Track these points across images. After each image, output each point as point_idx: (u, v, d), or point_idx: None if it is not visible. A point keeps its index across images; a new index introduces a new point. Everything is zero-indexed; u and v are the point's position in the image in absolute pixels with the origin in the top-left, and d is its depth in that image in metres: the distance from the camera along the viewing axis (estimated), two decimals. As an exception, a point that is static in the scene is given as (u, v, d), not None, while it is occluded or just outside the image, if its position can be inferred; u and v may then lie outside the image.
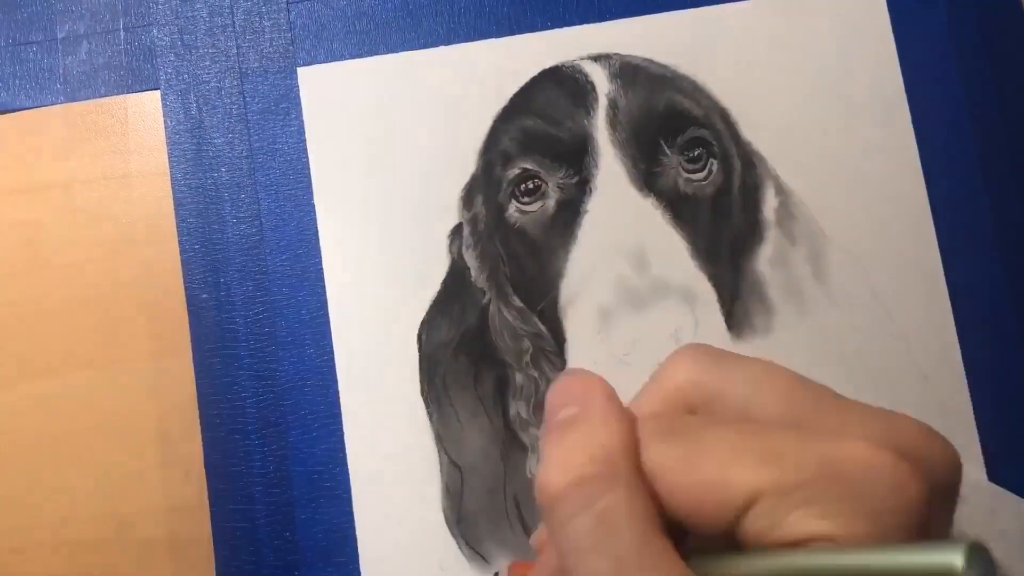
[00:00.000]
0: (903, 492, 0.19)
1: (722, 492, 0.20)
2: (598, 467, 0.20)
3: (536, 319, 0.33)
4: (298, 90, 0.35)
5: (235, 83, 0.35)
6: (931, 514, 0.20)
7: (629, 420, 0.21)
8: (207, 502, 0.33)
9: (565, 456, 0.21)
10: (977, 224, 0.34)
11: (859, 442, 0.20)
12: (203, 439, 0.33)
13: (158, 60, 0.35)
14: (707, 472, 0.20)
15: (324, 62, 0.35)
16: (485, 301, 0.34)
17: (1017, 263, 0.34)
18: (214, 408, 0.33)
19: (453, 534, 0.32)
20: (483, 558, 0.32)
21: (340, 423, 0.33)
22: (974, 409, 0.33)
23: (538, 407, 0.33)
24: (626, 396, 0.33)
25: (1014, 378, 0.33)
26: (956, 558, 0.18)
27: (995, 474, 0.33)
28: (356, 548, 0.32)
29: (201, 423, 0.33)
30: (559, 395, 0.22)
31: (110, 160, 0.35)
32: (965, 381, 0.33)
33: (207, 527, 0.32)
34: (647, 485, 0.21)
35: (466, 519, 0.32)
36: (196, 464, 0.33)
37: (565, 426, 0.21)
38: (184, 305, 0.34)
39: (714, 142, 0.34)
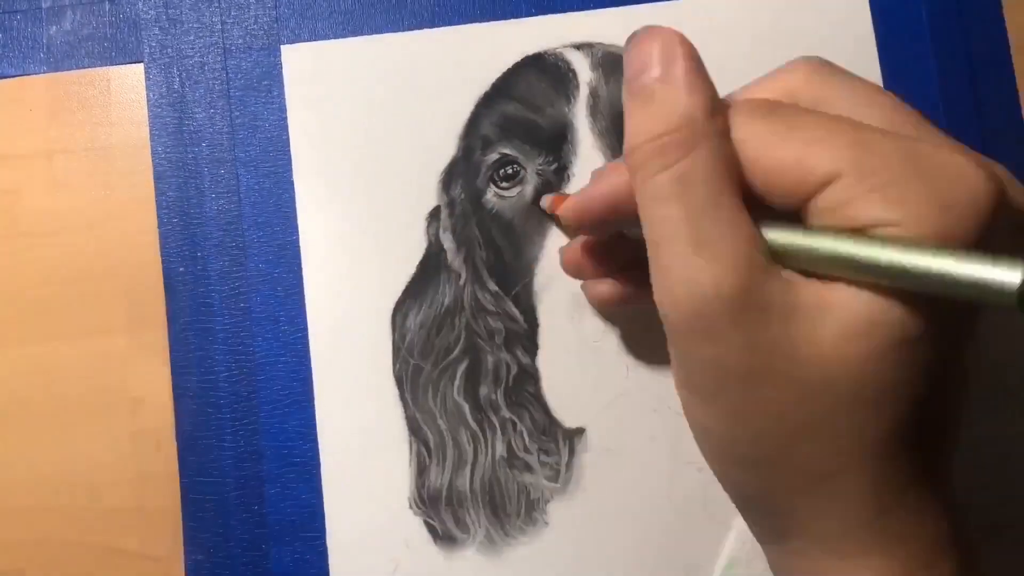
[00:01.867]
0: (977, 193, 0.20)
1: (804, 166, 0.21)
2: (681, 132, 0.21)
3: (510, 303, 0.34)
4: (281, 68, 0.35)
5: (218, 59, 0.35)
6: (998, 237, 0.20)
7: (711, 84, 0.22)
8: (177, 473, 0.33)
9: (649, 122, 0.22)
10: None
11: (945, 147, 0.20)
12: (175, 411, 0.33)
13: (142, 33, 0.35)
14: (793, 147, 0.21)
15: (308, 41, 0.35)
16: (460, 284, 0.34)
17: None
18: (187, 381, 0.33)
19: (418, 513, 0.33)
20: (448, 537, 0.33)
21: (312, 400, 0.33)
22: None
23: (508, 390, 0.33)
24: (597, 381, 0.33)
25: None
26: (1015, 275, 0.18)
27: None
28: (324, 524, 0.32)
29: (174, 395, 0.33)
30: (640, 54, 0.23)
31: (92, 131, 0.35)
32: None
33: (176, 498, 0.33)
34: (731, 153, 0.21)
35: (433, 499, 0.33)
36: (167, 436, 0.33)
37: (647, 91, 0.22)
38: (161, 278, 0.34)
39: (692, 134, 0.34)
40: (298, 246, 0.34)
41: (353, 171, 0.34)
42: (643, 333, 0.33)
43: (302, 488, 0.33)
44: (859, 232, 0.20)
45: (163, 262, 0.34)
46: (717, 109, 0.22)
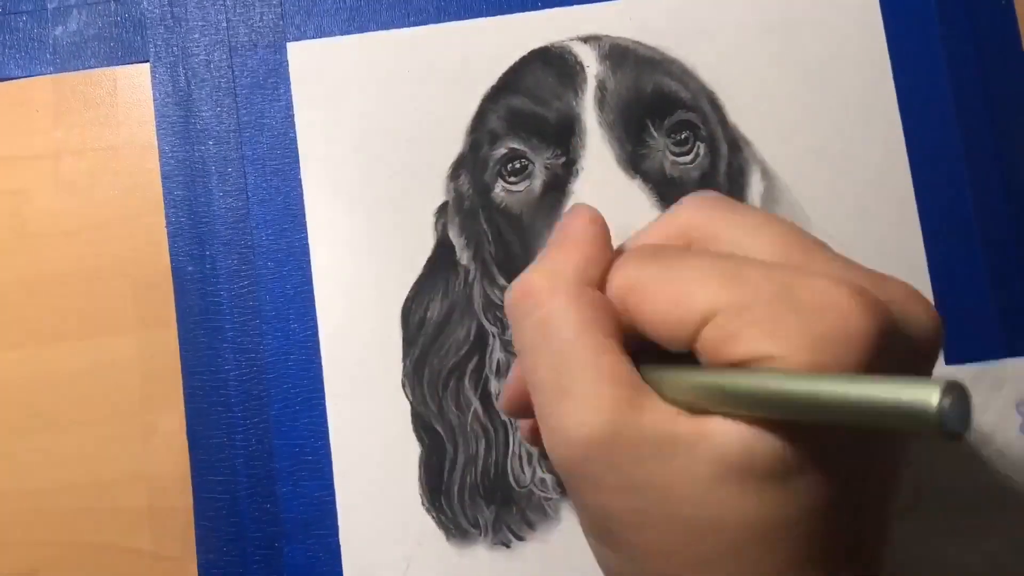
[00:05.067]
0: (849, 325, 0.19)
1: (683, 306, 0.21)
2: (544, 281, 0.22)
3: (520, 298, 0.34)
4: (287, 65, 0.35)
5: (224, 56, 0.35)
6: (888, 364, 0.19)
7: (592, 246, 0.23)
8: (189, 473, 0.33)
9: (525, 273, 0.23)
10: (960, 214, 0.34)
11: (822, 276, 0.20)
12: (186, 411, 0.33)
13: (148, 32, 0.35)
14: (672, 288, 0.21)
15: (314, 38, 0.35)
16: (470, 280, 0.34)
17: (998, 253, 0.34)
18: (197, 380, 0.33)
19: (429, 511, 0.33)
20: (460, 534, 0.32)
21: (323, 398, 0.33)
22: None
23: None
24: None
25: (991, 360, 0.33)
26: (931, 395, 0.15)
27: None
28: (336, 521, 0.32)
29: (184, 395, 0.33)
30: (555, 228, 0.25)
31: (98, 131, 0.35)
32: (943, 366, 0.33)
33: (188, 498, 0.33)
34: (597, 300, 0.22)
35: (443, 496, 0.33)
36: (179, 435, 0.33)
37: (540, 254, 0.24)
38: (170, 277, 0.34)
39: (701, 125, 0.34)
40: (307, 244, 0.34)
41: (360, 168, 0.34)
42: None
43: (314, 486, 0.33)
44: (743, 364, 0.20)
45: (172, 261, 0.34)
46: (589, 266, 0.23)
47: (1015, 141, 0.34)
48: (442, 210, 0.34)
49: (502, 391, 0.27)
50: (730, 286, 0.20)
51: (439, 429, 0.33)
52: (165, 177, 0.34)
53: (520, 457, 0.33)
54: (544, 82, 0.34)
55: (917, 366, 0.21)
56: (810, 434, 0.19)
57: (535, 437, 0.28)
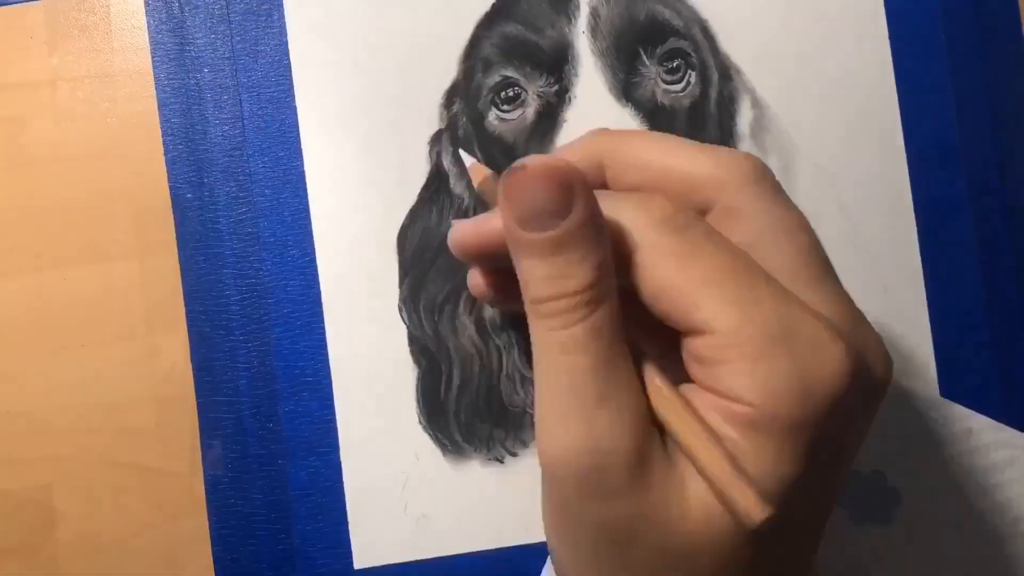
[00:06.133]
0: (835, 376, 0.20)
1: (691, 303, 0.21)
2: (595, 289, 0.21)
3: (513, 225, 0.34)
4: (280, -9, 0.35)
5: (217, -17, 0.35)
6: (850, 408, 0.21)
7: (603, 221, 0.21)
8: (193, 394, 0.34)
9: (558, 276, 0.21)
10: (946, 143, 0.35)
11: (819, 321, 0.21)
12: (189, 334, 0.34)
13: (139, -43, 0.35)
14: (689, 276, 0.21)
15: (306, -37, 0.35)
16: (463, 208, 0.35)
17: (982, 182, 0.35)
18: (199, 305, 0.34)
19: (426, 429, 0.34)
20: (456, 450, 0.34)
21: (322, 322, 0.34)
22: (931, 322, 0.34)
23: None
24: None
25: (971, 293, 0.34)
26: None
27: (947, 388, 0.34)
28: (337, 439, 0.34)
29: (187, 319, 0.34)
30: (529, 192, 0.21)
31: (93, 59, 0.35)
32: (924, 294, 0.34)
33: (194, 418, 0.34)
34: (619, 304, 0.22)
35: (439, 415, 0.34)
36: (182, 358, 0.34)
37: (550, 241, 0.22)
38: (169, 204, 0.34)
39: (693, 53, 0.35)
40: (303, 171, 0.34)
41: (355, 95, 0.34)
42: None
43: (315, 406, 0.34)
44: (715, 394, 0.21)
45: (171, 188, 0.34)
46: (603, 281, 0.21)
47: (1002, 73, 0.35)
48: (436, 138, 0.35)
49: (458, 228, 0.26)
50: (737, 308, 0.20)
51: (435, 352, 0.34)
52: (162, 105, 0.35)
53: (513, 379, 0.34)
54: (538, 9, 0.34)
55: (868, 405, 0.22)
56: (777, 498, 0.20)
57: (487, 292, 0.28)
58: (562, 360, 0.21)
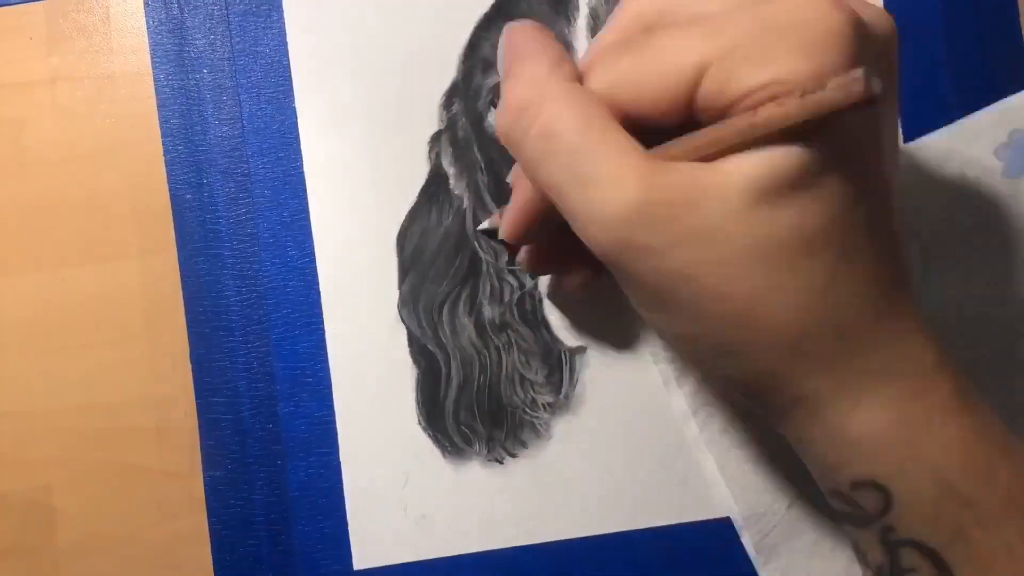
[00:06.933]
0: (830, 22, 0.21)
1: (674, 73, 0.22)
2: (531, 91, 0.23)
3: (512, 226, 0.34)
4: (280, -8, 0.35)
5: (216, -17, 0.35)
6: (867, 58, 0.21)
7: (552, 47, 0.24)
8: (193, 395, 0.34)
9: (506, 97, 0.23)
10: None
11: None
12: (189, 335, 0.34)
13: (139, -43, 0.35)
14: (657, 63, 0.22)
15: (306, -37, 0.35)
16: (463, 208, 0.35)
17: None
18: (199, 305, 0.34)
19: (426, 430, 0.34)
20: (455, 452, 0.34)
21: (322, 322, 0.34)
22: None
23: (511, 311, 0.34)
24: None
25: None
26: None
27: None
28: (336, 439, 0.34)
29: (187, 319, 0.34)
30: (503, 48, 0.25)
31: (93, 59, 0.35)
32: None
33: (194, 419, 0.34)
34: (594, 100, 0.22)
35: (438, 414, 0.34)
36: (182, 359, 0.34)
37: (506, 75, 0.24)
38: (168, 205, 0.34)
39: (692, 54, 0.34)
40: (302, 172, 0.34)
41: (355, 96, 0.34)
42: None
43: (314, 406, 0.34)
44: (747, 104, 0.21)
45: (170, 189, 0.34)
46: (560, 65, 0.23)
47: (1002, 73, 0.35)
48: (436, 139, 0.34)
49: (503, 220, 0.28)
50: (711, 36, 0.21)
51: (434, 352, 0.34)
52: (161, 105, 0.35)
53: (513, 380, 0.34)
54: (537, 10, 0.34)
55: (882, 65, 0.23)
56: (822, 139, 0.21)
57: (536, 264, 0.30)
58: (539, 170, 0.23)
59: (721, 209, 0.21)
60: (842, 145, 0.21)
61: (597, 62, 0.23)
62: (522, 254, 0.31)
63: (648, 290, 0.23)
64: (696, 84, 0.21)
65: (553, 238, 0.29)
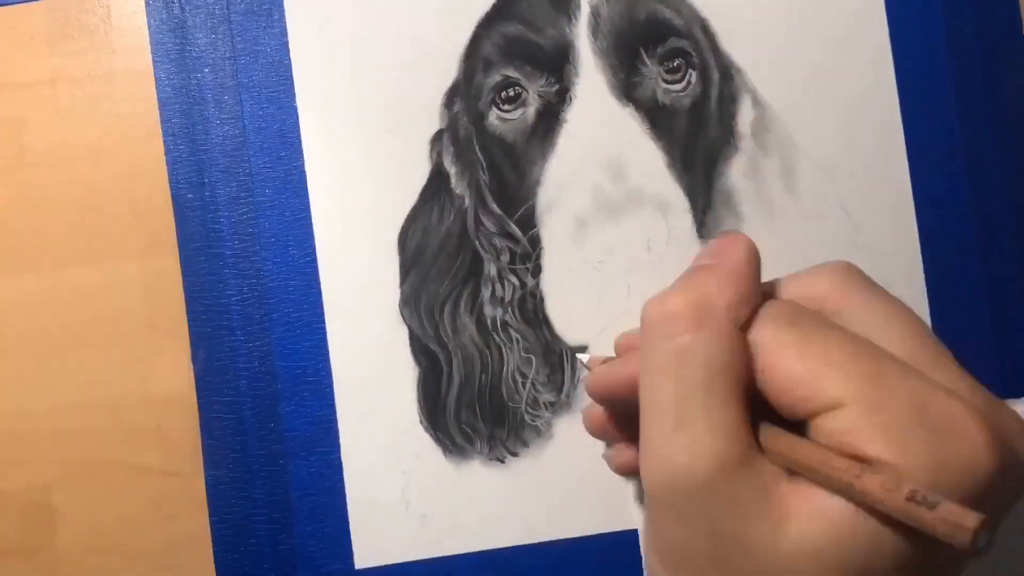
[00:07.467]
0: (978, 457, 0.20)
1: (814, 386, 0.21)
2: (692, 311, 0.22)
3: (513, 225, 0.34)
4: (281, -9, 0.35)
5: (217, -18, 0.35)
6: (996, 500, 0.20)
7: (749, 285, 0.23)
8: (195, 394, 0.34)
9: (673, 293, 0.23)
10: (947, 142, 0.35)
11: (956, 398, 0.20)
12: (190, 334, 0.34)
13: (140, -43, 0.35)
14: (808, 364, 0.21)
15: (307, -37, 0.35)
16: (464, 207, 0.35)
17: (983, 180, 0.35)
18: (200, 305, 0.34)
19: (427, 429, 0.34)
20: (456, 451, 0.34)
21: (323, 321, 0.34)
22: (931, 320, 0.34)
23: (512, 310, 0.34)
24: (600, 300, 0.34)
25: (973, 293, 0.34)
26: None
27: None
28: (338, 439, 0.34)
29: (188, 319, 0.34)
30: (707, 248, 0.24)
31: (94, 58, 0.35)
32: (925, 294, 0.34)
33: (195, 418, 0.34)
34: (739, 347, 0.22)
35: (440, 415, 0.34)
36: (184, 358, 0.34)
37: (692, 271, 0.23)
38: (170, 204, 0.34)
39: (693, 53, 0.35)
40: (303, 171, 0.34)
41: (356, 95, 0.34)
42: (644, 252, 0.34)
43: (316, 405, 0.34)
44: (856, 458, 0.20)
45: (172, 188, 0.34)
46: (741, 306, 0.22)
47: (1005, 66, 0.35)
48: (437, 138, 0.34)
49: (598, 373, 0.27)
50: (867, 382, 0.20)
51: (436, 352, 0.34)
52: (162, 105, 0.35)
53: (514, 379, 0.34)
54: (538, 9, 0.34)
55: (1013, 490, 0.22)
56: (904, 538, 0.20)
57: (594, 424, 0.29)
58: (652, 379, 0.22)
59: (770, 542, 0.20)
60: (918, 555, 0.20)
61: (766, 319, 0.22)
62: (590, 408, 0.30)
63: (666, 550, 0.23)
64: (826, 411, 0.21)
65: (624, 418, 0.28)
